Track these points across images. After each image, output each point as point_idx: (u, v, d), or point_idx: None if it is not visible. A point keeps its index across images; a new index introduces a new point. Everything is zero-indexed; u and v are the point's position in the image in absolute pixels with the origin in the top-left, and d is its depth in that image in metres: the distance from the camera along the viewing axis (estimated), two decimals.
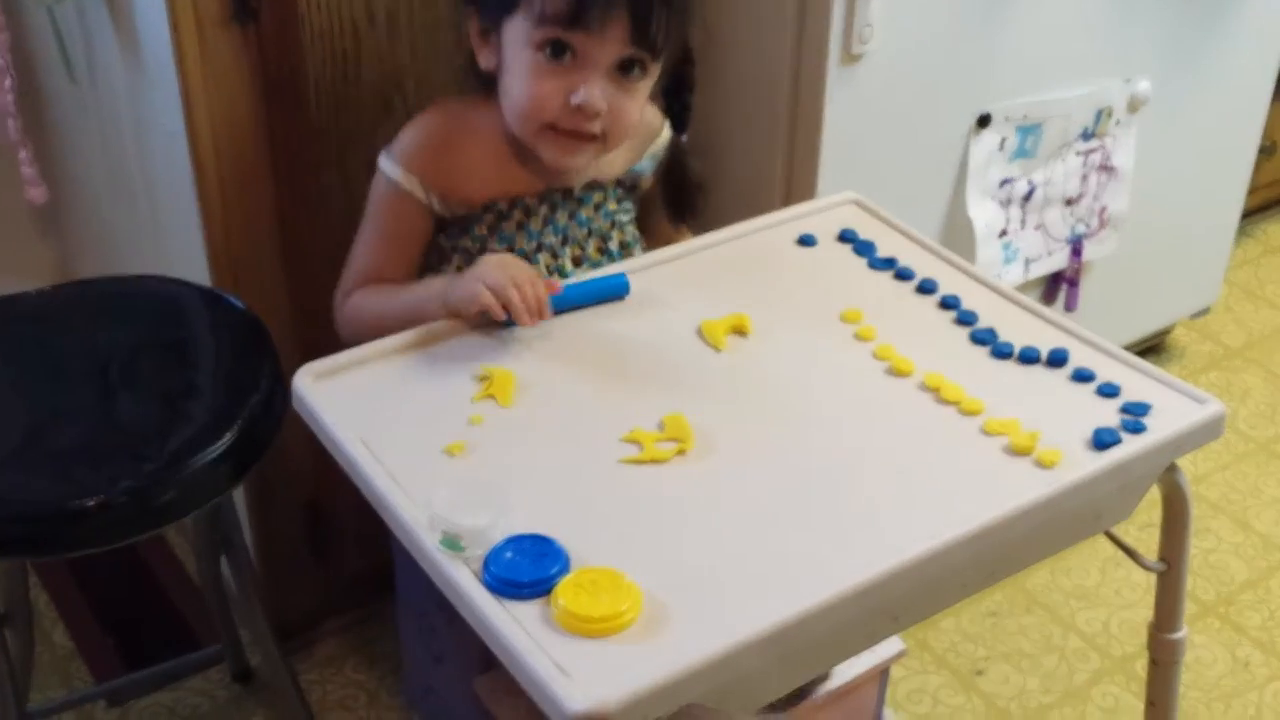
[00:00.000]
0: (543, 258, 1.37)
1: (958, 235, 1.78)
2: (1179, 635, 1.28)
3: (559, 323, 1.26)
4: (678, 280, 1.33)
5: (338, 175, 1.47)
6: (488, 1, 1.28)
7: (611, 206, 1.41)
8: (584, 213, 1.39)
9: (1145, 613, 1.34)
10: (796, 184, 1.64)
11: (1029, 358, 1.22)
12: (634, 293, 1.30)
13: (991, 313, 1.28)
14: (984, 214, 1.78)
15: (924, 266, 1.35)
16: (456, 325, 1.24)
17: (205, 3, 1.32)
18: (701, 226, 1.43)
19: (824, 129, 1.58)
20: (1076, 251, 1.94)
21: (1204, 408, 1.15)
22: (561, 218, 1.38)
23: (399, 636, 1.56)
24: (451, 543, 1.00)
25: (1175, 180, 2.05)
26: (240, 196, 1.43)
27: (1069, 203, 1.89)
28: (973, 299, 1.30)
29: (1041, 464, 1.09)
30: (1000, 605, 1.86)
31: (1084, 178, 1.88)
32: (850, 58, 1.55)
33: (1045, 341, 1.24)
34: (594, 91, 1.26)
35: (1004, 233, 1.83)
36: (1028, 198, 1.83)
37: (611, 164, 1.38)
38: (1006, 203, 1.82)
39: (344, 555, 1.74)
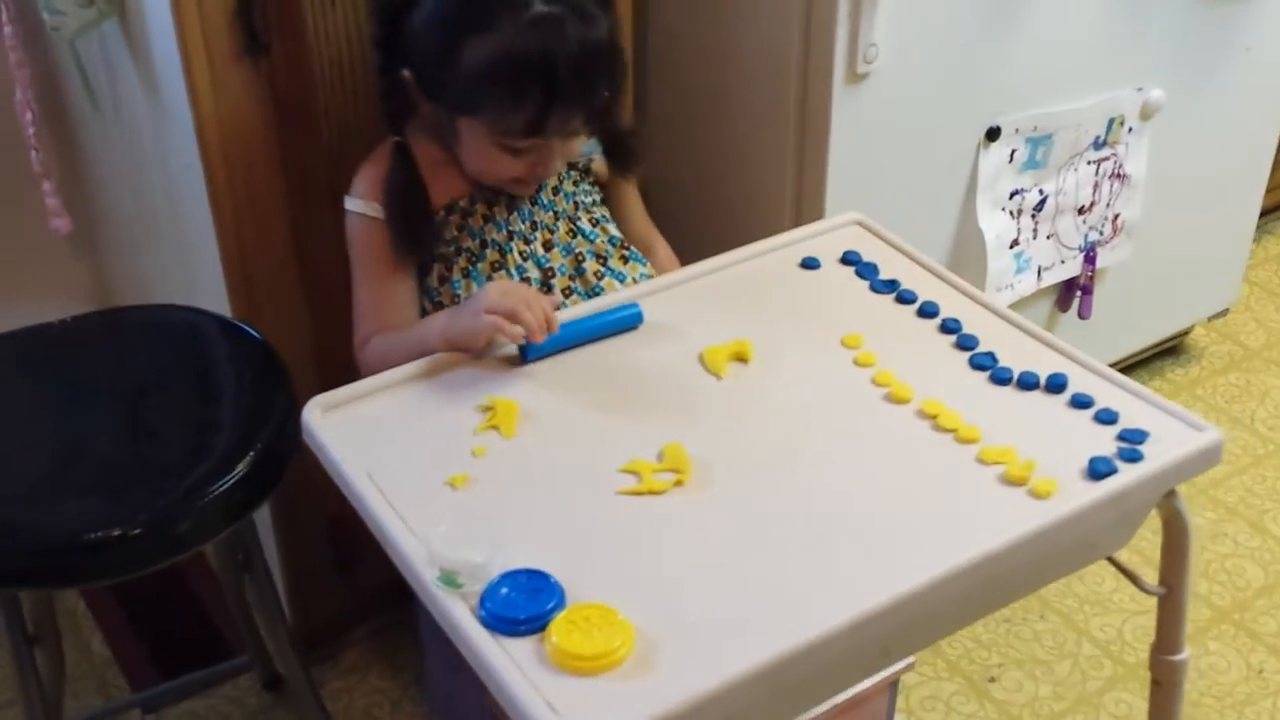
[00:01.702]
0: (515, 245, 1.41)
1: (969, 248, 1.79)
2: (1181, 657, 1.29)
3: (565, 356, 1.28)
4: (682, 305, 1.35)
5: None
6: (444, 98, 1.33)
7: (569, 188, 1.46)
8: (544, 196, 1.44)
9: None
10: (806, 204, 1.65)
11: (1028, 383, 1.23)
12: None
13: (992, 337, 1.29)
14: (995, 225, 1.79)
15: (926, 289, 1.36)
16: (459, 359, 1.26)
17: (216, 38, 1.35)
18: (715, 248, 1.44)
19: (830, 148, 1.60)
20: (1090, 259, 1.94)
21: (1202, 435, 1.16)
22: (525, 203, 1.42)
23: (420, 645, 1.60)
24: (449, 579, 1.03)
25: (1191, 184, 2.04)
26: (256, 226, 1.46)
27: (1081, 211, 1.89)
28: (974, 323, 1.31)
29: (1036, 494, 1.11)
30: (1014, 612, 1.88)
31: (1096, 186, 1.89)
32: (855, 77, 1.56)
33: (1045, 366, 1.25)
34: (553, 165, 1.38)
35: (1015, 243, 1.84)
36: (1039, 207, 1.84)
37: None
38: (1017, 213, 1.82)
39: (367, 567, 1.76)
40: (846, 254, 1.41)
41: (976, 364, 1.26)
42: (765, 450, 1.17)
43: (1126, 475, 1.12)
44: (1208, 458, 1.16)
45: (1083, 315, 1.98)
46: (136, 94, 1.54)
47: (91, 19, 1.42)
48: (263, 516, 1.60)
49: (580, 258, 1.44)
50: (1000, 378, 1.24)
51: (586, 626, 0.99)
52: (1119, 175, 1.90)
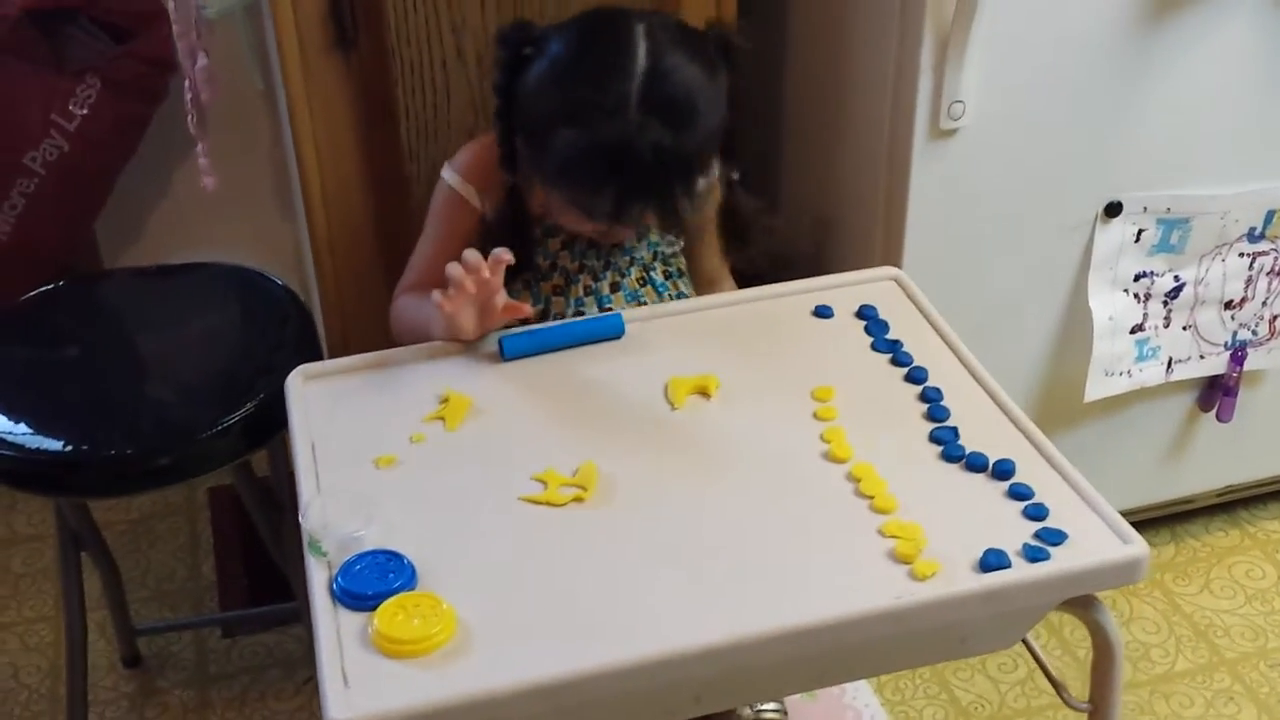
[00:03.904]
0: (583, 278, 1.45)
1: (1071, 325, 1.70)
2: None
3: (543, 359, 1.33)
4: (678, 332, 1.37)
5: (429, 194, 1.59)
6: (533, 162, 1.35)
7: (654, 237, 1.48)
8: (628, 241, 1.46)
9: None
10: (890, 258, 1.62)
11: (975, 465, 1.18)
12: (629, 337, 1.35)
13: (969, 414, 1.24)
14: (1110, 306, 1.69)
15: (926, 356, 1.32)
16: (445, 346, 1.34)
17: (309, 30, 1.48)
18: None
19: (910, 205, 1.56)
20: (1238, 359, 1.79)
21: (1123, 548, 1.08)
22: (605, 244, 1.45)
23: None
24: (315, 546, 1.10)
25: None
26: (342, 208, 1.58)
27: (1229, 305, 1.75)
28: (957, 396, 1.26)
29: (915, 575, 1.06)
30: None
31: (1250, 281, 1.74)
32: (940, 133, 1.52)
33: (1005, 452, 1.19)
34: (625, 237, 1.43)
35: (1139, 328, 1.72)
36: (1173, 294, 1.71)
37: None
38: (1144, 297, 1.71)
39: None
40: (863, 308, 1.39)
41: (935, 437, 1.22)
42: (678, 482, 1.18)
43: (1017, 574, 1.06)
44: (1124, 572, 1.08)
45: (1221, 418, 1.82)
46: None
47: (230, 1, 1.58)
48: None
49: (641, 305, 1.47)
50: (950, 454, 1.19)
51: (412, 613, 1.04)
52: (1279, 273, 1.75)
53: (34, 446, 1.32)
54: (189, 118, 1.80)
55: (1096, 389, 1.73)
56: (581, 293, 1.46)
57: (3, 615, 1.90)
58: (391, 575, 1.07)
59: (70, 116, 1.89)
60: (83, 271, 2.11)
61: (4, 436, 1.32)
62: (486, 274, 1.29)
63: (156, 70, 1.91)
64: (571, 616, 1.04)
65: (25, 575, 1.95)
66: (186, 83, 1.76)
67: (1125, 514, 1.85)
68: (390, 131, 1.55)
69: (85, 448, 1.32)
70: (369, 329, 1.58)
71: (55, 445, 1.32)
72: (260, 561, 2.00)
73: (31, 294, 1.54)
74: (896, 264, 1.61)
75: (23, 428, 1.34)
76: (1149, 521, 1.98)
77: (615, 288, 1.47)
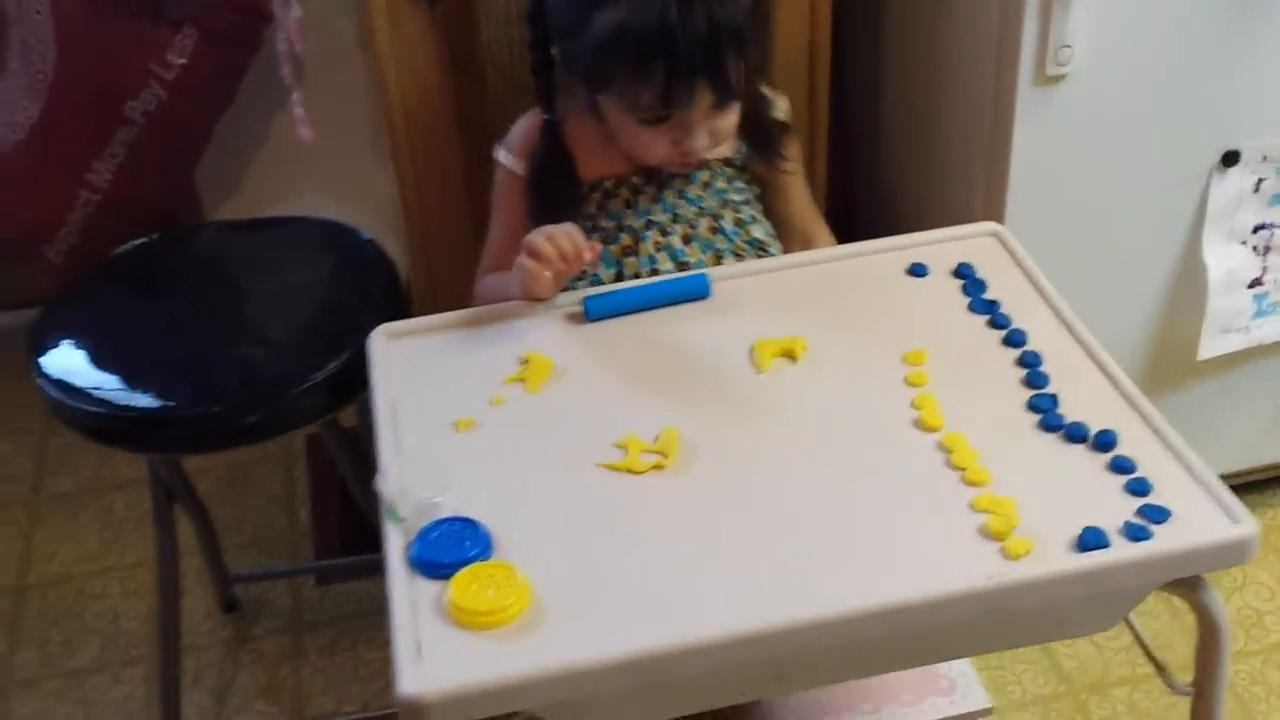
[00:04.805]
0: (651, 235, 1.42)
1: (1184, 279, 1.62)
2: None
3: (626, 320, 1.30)
4: (765, 292, 1.33)
5: None
6: (577, 76, 1.35)
7: (721, 184, 1.44)
8: (692, 190, 1.42)
9: None
10: (991, 211, 1.56)
11: (1074, 435, 1.13)
12: (715, 297, 1.32)
13: (1069, 379, 1.18)
14: (1226, 260, 1.60)
15: (1025, 317, 1.26)
16: (526, 306, 1.31)
17: None
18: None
19: (1013, 155, 1.50)
20: None
21: (1232, 527, 1.02)
22: (670, 195, 1.42)
23: None
24: (392, 512, 1.09)
25: None
26: (430, 159, 1.56)
27: None
28: (1058, 360, 1.21)
29: (1006, 553, 1.02)
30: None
31: None
32: (1045, 79, 1.45)
33: (1108, 421, 1.13)
34: (697, 142, 1.35)
35: (1258, 282, 1.64)
36: None
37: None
38: (1264, 250, 1.62)
39: None
40: (960, 266, 1.33)
41: (1033, 405, 1.16)
42: (762, 450, 1.14)
43: (1116, 553, 1.01)
44: (1231, 553, 1.02)
45: None
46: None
47: None
48: None
49: (719, 254, 1.43)
50: (1049, 424, 1.14)
51: (486, 583, 1.02)
52: None
53: (122, 403, 1.32)
54: (283, 68, 1.79)
55: (1211, 346, 1.65)
56: (653, 249, 1.42)
57: (105, 559, 1.94)
58: (468, 543, 1.06)
59: (169, 66, 1.89)
60: (184, 220, 2.13)
61: (92, 392, 1.33)
62: (587, 258, 1.29)
63: (252, 20, 1.90)
64: (648, 590, 1.02)
65: (128, 520, 1.99)
66: (280, 33, 1.75)
67: (1238, 475, 1.81)
68: (477, 82, 1.52)
69: (172, 404, 1.32)
70: (457, 281, 1.57)
71: (143, 402, 1.32)
72: (355, 510, 2.01)
73: (124, 247, 1.55)
74: (998, 219, 1.54)
75: (112, 383, 1.34)
76: (1265, 482, 1.90)
77: (687, 239, 1.43)
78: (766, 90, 1.46)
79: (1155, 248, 1.60)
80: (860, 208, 1.93)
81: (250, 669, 1.78)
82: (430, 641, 0.99)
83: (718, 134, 1.37)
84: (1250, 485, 1.87)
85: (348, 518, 1.98)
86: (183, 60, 1.86)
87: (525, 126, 1.45)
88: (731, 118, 1.37)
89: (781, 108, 1.48)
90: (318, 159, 2.02)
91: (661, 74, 1.28)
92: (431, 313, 1.34)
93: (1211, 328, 1.64)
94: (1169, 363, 1.68)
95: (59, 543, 1.97)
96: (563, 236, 1.29)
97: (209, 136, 2.00)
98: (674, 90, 1.29)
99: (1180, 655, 1.63)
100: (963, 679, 1.47)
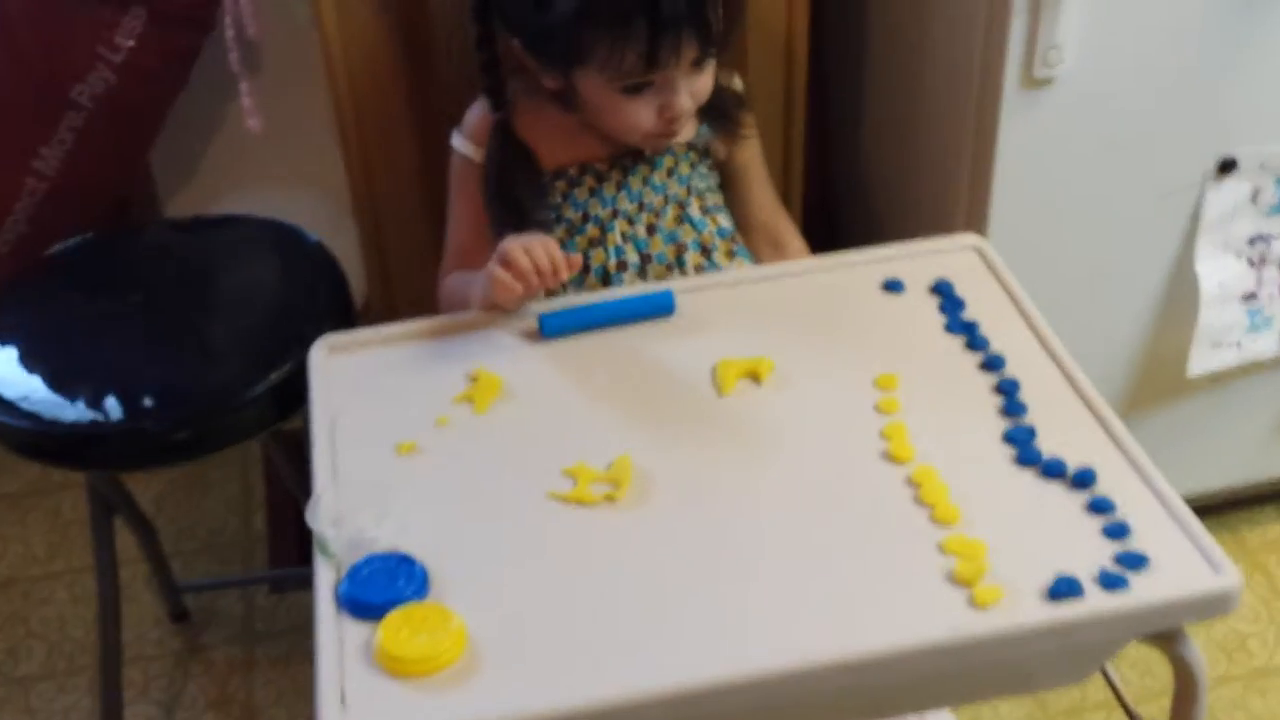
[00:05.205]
0: (618, 224, 1.35)
1: (1174, 290, 1.55)
2: None
3: (586, 337, 1.23)
4: (732, 307, 1.25)
5: None
6: (549, 56, 1.28)
7: (685, 171, 1.38)
8: (657, 178, 1.36)
9: None
10: (975, 219, 1.49)
11: (1052, 471, 1.06)
12: (679, 312, 1.24)
13: (1049, 409, 1.12)
14: (1219, 272, 1.53)
15: (1005, 339, 1.19)
16: (480, 318, 1.25)
17: None
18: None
19: (997, 159, 1.42)
20: None
21: (1214, 578, 0.96)
22: (635, 183, 1.36)
23: None
24: (322, 546, 1.03)
25: None
26: (381, 147, 1.49)
27: None
28: (1036, 387, 1.14)
29: (974, 602, 0.95)
30: None
31: None
32: (1033, 81, 1.37)
33: (1087, 455, 1.07)
34: (681, 101, 1.28)
35: (1252, 296, 1.57)
36: None
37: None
38: (1259, 262, 1.55)
39: None
40: (938, 283, 1.26)
41: (1009, 437, 1.10)
42: (719, 482, 1.07)
43: (1090, 604, 0.94)
44: (1212, 605, 0.96)
45: None
46: None
47: None
48: None
49: (682, 247, 1.36)
50: (1025, 458, 1.07)
51: (419, 627, 0.96)
52: None
53: (49, 417, 1.25)
54: (230, 54, 1.71)
55: (1202, 362, 1.58)
56: (619, 239, 1.35)
57: (52, 563, 1.87)
58: (401, 582, 0.99)
59: (116, 48, 1.81)
60: (138, 210, 2.06)
61: (18, 404, 1.26)
62: (564, 277, 1.23)
63: (204, 1, 1.82)
64: (592, 638, 0.95)
65: (74, 521, 1.92)
66: (228, 19, 1.67)
67: (1226, 494, 1.75)
68: (430, 67, 1.45)
69: (100, 420, 1.25)
70: (414, 276, 1.50)
71: (70, 415, 1.25)
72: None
73: (59, 247, 1.47)
74: (981, 227, 1.47)
75: (40, 394, 1.27)
76: (1253, 500, 1.83)
77: (651, 230, 1.36)
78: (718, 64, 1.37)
79: (1145, 258, 1.53)
80: (843, 211, 1.86)
81: (199, 680, 1.72)
82: (355, 690, 0.93)
83: (697, 95, 1.30)
84: (1238, 503, 1.80)
85: (303, 524, 1.91)
86: (131, 42, 1.78)
87: (479, 114, 1.37)
88: (709, 76, 1.30)
89: (735, 82, 1.42)
90: (276, 147, 1.94)
91: (644, 31, 1.21)
92: (385, 310, 1.27)
93: (1202, 342, 1.57)
94: (1157, 378, 1.61)
95: (5, 544, 1.90)
96: (540, 250, 1.21)
97: (162, 122, 1.91)
98: (658, 46, 1.22)
99: (1160, 680, 1.58)
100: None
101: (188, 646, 1.75)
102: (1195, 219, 1.51)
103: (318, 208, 1.83)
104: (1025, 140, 1.41)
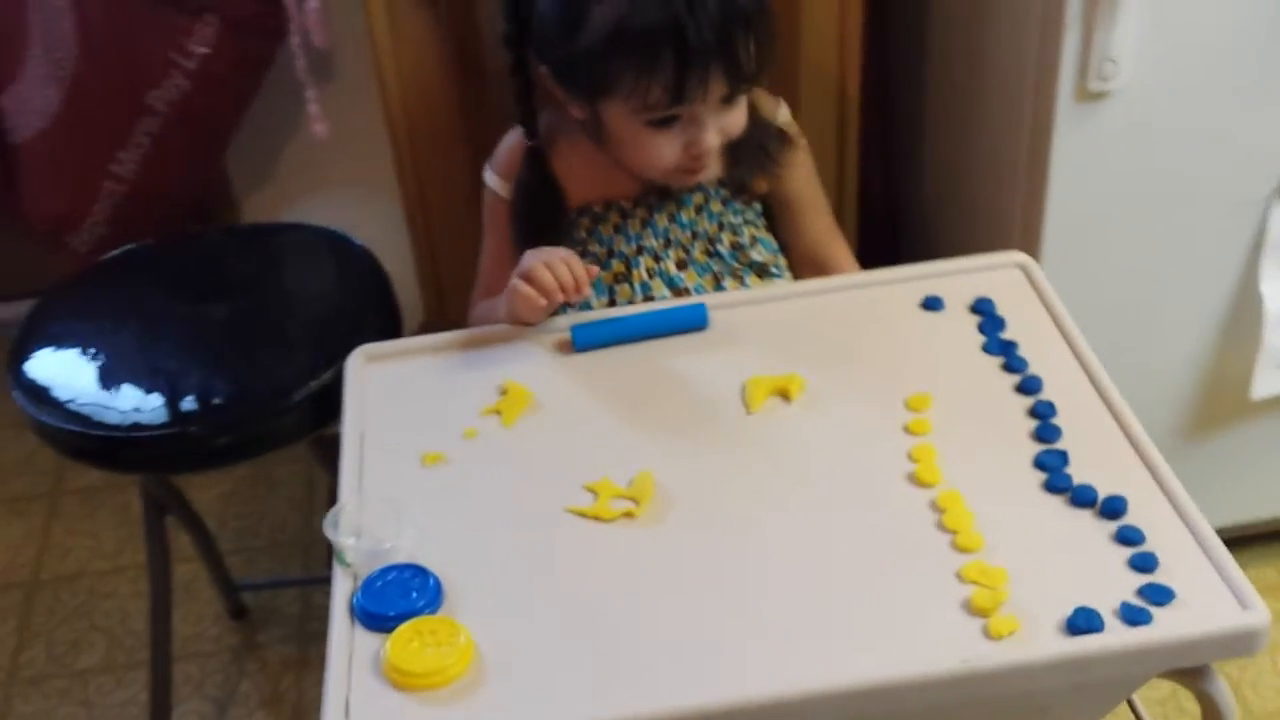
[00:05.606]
0: (644, 260, 1.34)
1: (1238, 312, 1.50)
2: None
3: (617, 350, 1.23)
4: (767, 324, 1.24)
5: None
6: (576, 85, 1.26)
7: (716, 208, 1.35)
8: (684, 215, 1.34)
9: None
10: (1029, 233, 1.45)
11: (1082, 499, 1.03)
12: (713, 327, 1.24)
13: (1083, 436, 1.09)
14: None
15: (1044, 361, 1.16)
16: (515, 330, 1.25)
17: None
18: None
19: (1051, 173, 1.39)
20: None
21: (1241, 615, 0.92)
22: (661, 220, 1.34)
23: None
24: (339, 555, 1.03)
25: None
26: (433, 164, 1.50)
27: None
28: (1071, 414, 1.11)
29: (989, 633, 0.93)
30: None
31: None
32: (1088, 94, 1.34)
33: (1119, 484, 1.04)
34: (708, 138, 1.26)
35: None
36: None
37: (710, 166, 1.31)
38: None
39: None
40: (978, 301, 1.24)
41: (1040, 462, 1.07)
42: (740, 501, 1.06)
43: (1108, 639, 0.92)
44: (1238, 643, 0.92)
45: None
46: None
47: None
48: None
49: (719, 277, 1.35)
50: (1055, 485, 1.05)
51: (428, 640, 0.96)
52: None
53: (96, 419, 1.28)
54: (298, 61, 1.74)
55: (1266, 385, 1.53)
56: (645, 275, 1.34)
57: (119, 557, 1.92)
58: (414, 594, 1.00)
59: (190, 55, 1.85)
60: (216, 212, 2.10)
61: (66, 405, 1.29)
62: (587, 292, 1.23)
63: (274, 9, 1.85)
64: (599, 656, 0.95)
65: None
66: (294, 26, 1.70)
67: None
68: (481, 86, 1.46)
69: (143, 423, 1.28)
70: (465, 293, 1.50)
71: (114, 419, 1.28)
72: None
73: (115, 252, 1.51)
74: (1036, 242, 1.44)
75: (87, 397, 1.30)
76: None
77: (682, 265, 1.35)
78: (762, 96, 1.36)
79: (1206, 278, 1.48)
80: (906, 231, 1.83)
81: (254, 677, 1.75)
82: (360, 701, 0.93)
83: (727, 131, 1.27)
84: None
85: None
86: (204, 49, 1.82)
87: (509, 146, 1.37)
88: (741, 112, 1.27)
89: (781, 115, 1.38)
90: (347, 154, 1.97)
91: (671, 63, 1.19)
92: (439, 322, 1.27)
93: (1266, 364, 1.52)
94: (1220, 401, 1.56)
95: (76, 538, 1.95)
96: (561, 265, 1.21)
97: (236, 126, 1.96)
98: (686, 80, 1.20)
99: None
100: None
101: (244, 644, 1.78)
102: (1259, 237, 1.46)
103: (390, 213, 1.85)
104: (1081, 154, 1.38)
